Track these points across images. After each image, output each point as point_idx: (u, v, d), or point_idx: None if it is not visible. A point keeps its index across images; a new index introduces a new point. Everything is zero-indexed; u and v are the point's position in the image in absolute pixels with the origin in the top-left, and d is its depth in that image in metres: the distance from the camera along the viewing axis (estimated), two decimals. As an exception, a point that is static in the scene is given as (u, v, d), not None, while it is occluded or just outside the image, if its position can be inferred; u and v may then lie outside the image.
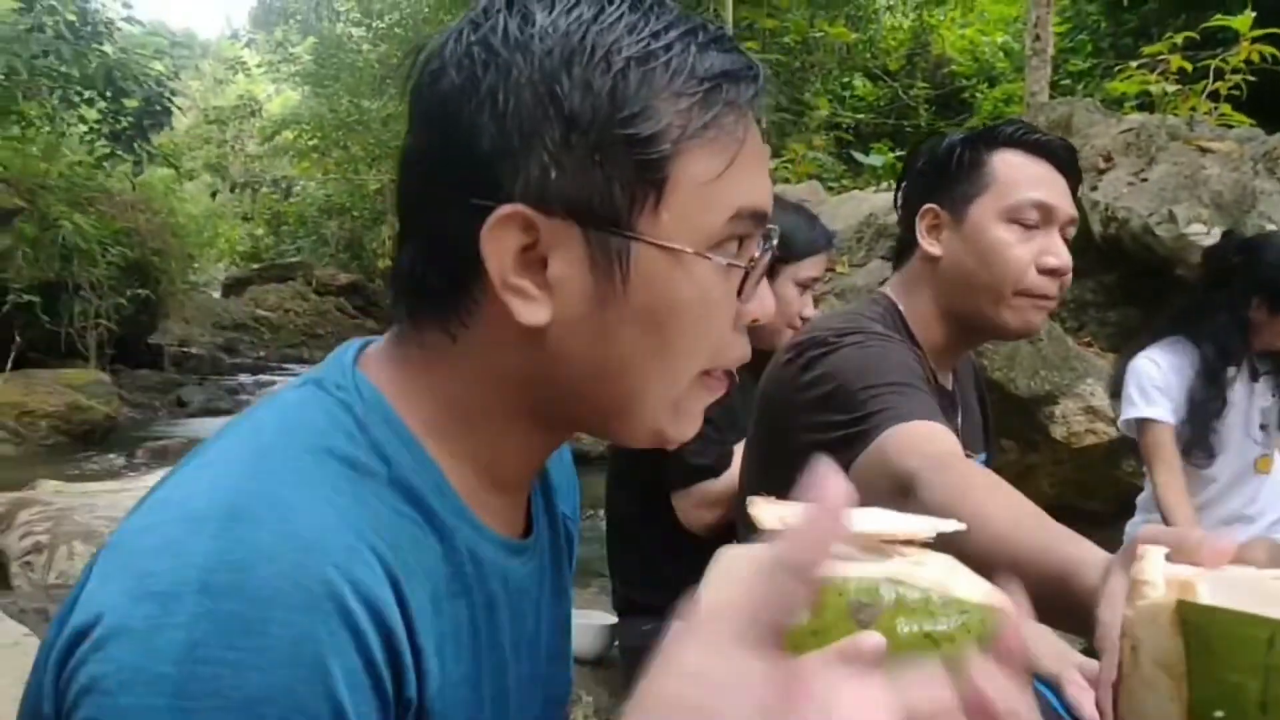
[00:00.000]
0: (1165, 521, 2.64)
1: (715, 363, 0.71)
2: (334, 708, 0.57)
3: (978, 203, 1.53)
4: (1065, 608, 0.84)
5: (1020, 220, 1.51)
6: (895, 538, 0.71)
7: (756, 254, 0.70)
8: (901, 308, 1.60)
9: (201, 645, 0.56)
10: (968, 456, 1.65)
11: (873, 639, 0.59)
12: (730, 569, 0.68)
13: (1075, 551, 0.86)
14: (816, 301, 2.33)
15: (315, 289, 16.78)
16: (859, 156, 9.40)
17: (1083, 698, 1.53)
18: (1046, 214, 1.51)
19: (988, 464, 1.75)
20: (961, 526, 0.77)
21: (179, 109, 12.86)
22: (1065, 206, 1.53)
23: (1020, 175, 1.52)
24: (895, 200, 1.69)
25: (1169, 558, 0.66)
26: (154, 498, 0.65)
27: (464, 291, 0.68)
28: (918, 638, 0.63)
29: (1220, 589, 0.57)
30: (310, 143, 17.64)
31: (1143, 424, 2.71)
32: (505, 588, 0.74)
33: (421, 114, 0.69)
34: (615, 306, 0.66)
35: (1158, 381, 2.72)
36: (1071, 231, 1.56)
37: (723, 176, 0.67)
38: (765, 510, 0.73)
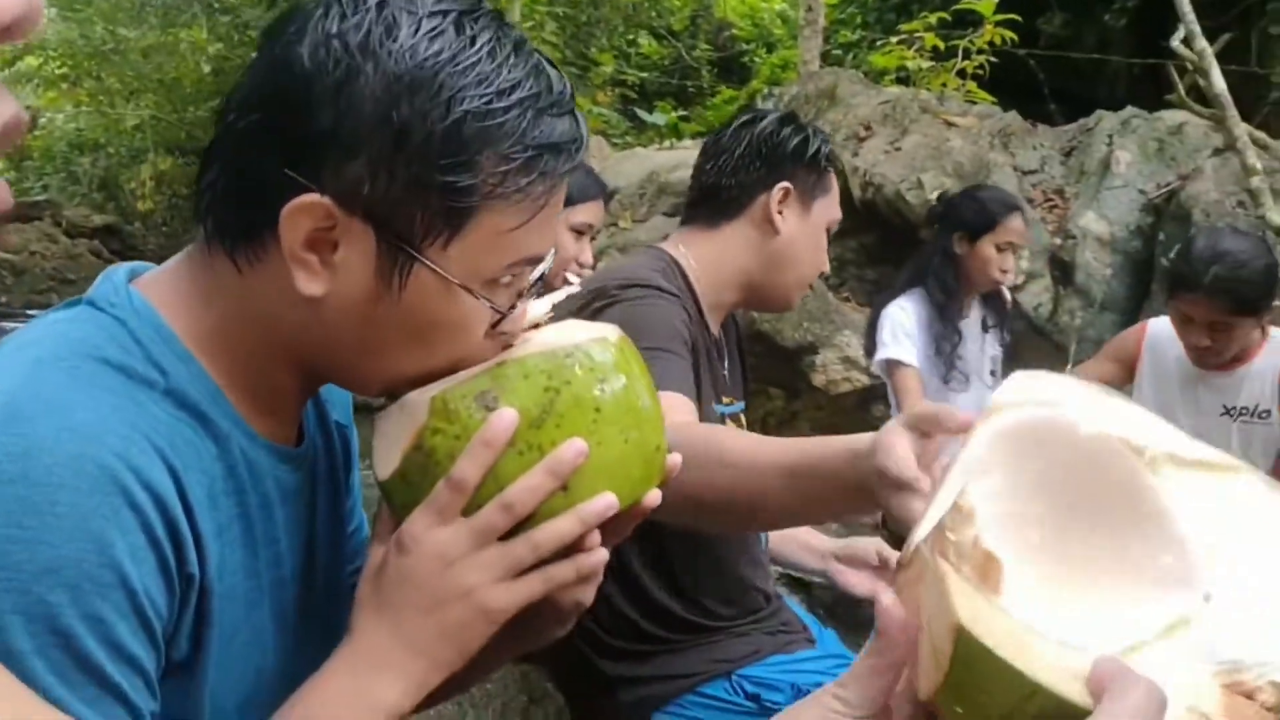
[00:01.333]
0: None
1: (466, 364, 0.78)
2: (120, 576, 0.64)
3: (821, 202, 1.72)
4: (847, 486, 0.98)
5: (830, 230, 1.76)
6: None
7: (526, 285, 0.78)
8: (691, 262, 1.68)
9: None
10: (729, 403, 1.81)
11: (504, 416, 0.72)
12: (392, 426, 0.77)
13: (837, 442, 1.02)
14: (599, 257, 2.42)
15: (65, 230, 15.43)
16: (643, 114, 9.60)
17: (851, 579, 1.84)
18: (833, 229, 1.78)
19: (745, 412, 1.91)
20: (575, 288, 0.92)
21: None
22: None
23: (836, 193, 1.77)
24: (719, 161, 1.72)
25: (922, 431, 0.82)
26: None
27: (258, 236, 0.72)
28: (538, 394, 0.74)
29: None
30: (59, 71, 16.15)
31: (891, 364, 3.02)
32: (279, 490, 0.80)
33: (268, 65, 0.72)
34: (386, 306, 0.73)
35: (906, 327, 3.04)
36: None
37: (516, 231, 0.73)
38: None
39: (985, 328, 3.16)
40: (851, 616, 3.18)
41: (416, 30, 0.69)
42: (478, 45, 0.70)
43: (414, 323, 0.74)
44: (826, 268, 1.79)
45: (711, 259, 1.71)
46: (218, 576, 0.72)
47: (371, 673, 0.74)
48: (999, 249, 2.99)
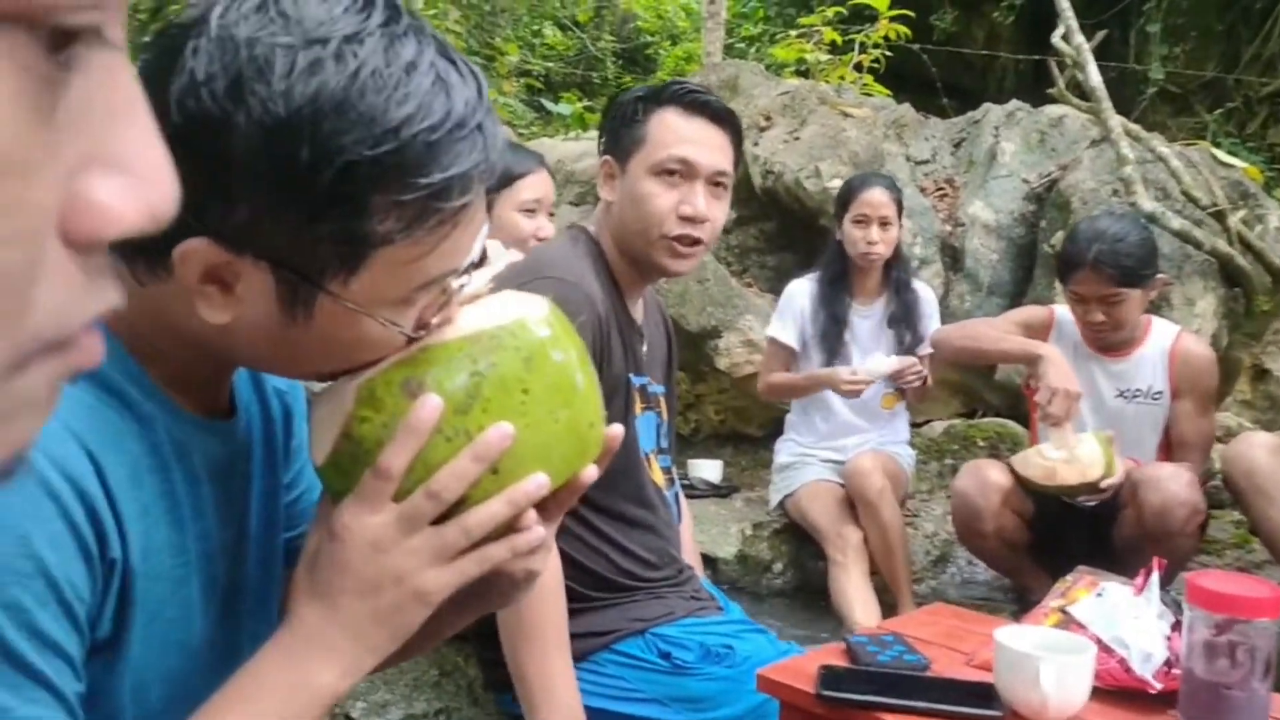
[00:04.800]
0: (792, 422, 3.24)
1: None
2: (39, 565, 0.64)
3: (635, 157, 1.73)
4: None
5: (664, 174, 1.70)
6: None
7: (450, 289, 0.77)
8: (601, 243, 1.80)
9: None
10: (649, 387, 1.88)
11: (428, 403, 0.72)
12: (324, 413, 0.78)
13: None
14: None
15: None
16: (549, 105, 9.60)
17: None
18: (689, 168, 1.70)
19: (666, 396, 1.98)
20: (517, 256, 0.96)
21: None
22: (708, 161, 1.71)
23: (670, 134, 1.71)
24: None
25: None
26: None
27: (156, 261, 0.70)
28: (463, 379, 0.73)
29: None
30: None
31: (769, 340, 3.22)
32: (207, 464, 0.80)
33: (158, 94, 0.66)
34: (296, 331, 0.72)
35: (795, 307, 3.20)
36: (726, 182, 1.75)
37: (420, 260, 0.71)
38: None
39: (893, 322, 3.21)
40: (755, 590, 3.29)
41: (291, 69, 0.64)
42: (360, 78, 0.65)
43: (327, 344, 0.74)
44: (685, 210, 1.68)
45: (602, 239, 1.81)
46: (142, 557, 0.72)
47: (307, 655, 0.74)
48: (855, 223, 3.11)
